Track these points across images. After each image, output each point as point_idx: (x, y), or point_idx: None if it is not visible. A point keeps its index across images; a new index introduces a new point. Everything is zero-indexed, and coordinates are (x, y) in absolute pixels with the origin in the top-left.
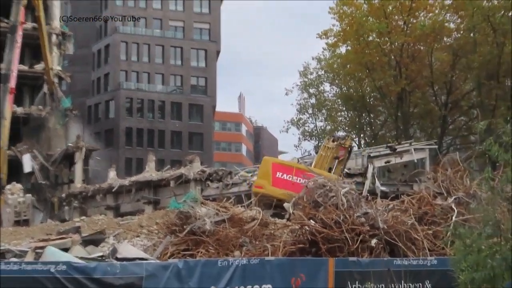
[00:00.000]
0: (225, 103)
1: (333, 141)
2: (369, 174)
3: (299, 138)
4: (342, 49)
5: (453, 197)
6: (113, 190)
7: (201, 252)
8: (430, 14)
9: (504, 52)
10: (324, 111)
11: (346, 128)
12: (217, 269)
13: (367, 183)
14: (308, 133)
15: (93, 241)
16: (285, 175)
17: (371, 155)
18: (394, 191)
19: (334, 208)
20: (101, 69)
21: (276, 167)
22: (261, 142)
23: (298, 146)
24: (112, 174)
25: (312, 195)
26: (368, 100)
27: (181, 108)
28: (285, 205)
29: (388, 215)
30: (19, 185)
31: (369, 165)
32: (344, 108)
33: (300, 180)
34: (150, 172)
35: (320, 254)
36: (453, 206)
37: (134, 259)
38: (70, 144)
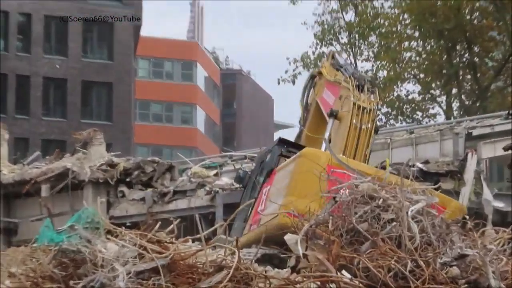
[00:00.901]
0: (162, 20)
1: (359, 87)
2: (469, 175)
3: None
4: None
5: None
6: None
7: None
8: None
9: None
10: (373, 38)
11: (420, 74)
12: None
13: (466, 192)
14: None
15: None
16: None
17: (474, 133)
18: None
19: (393, 246)
20: None
21: (334, 173)
22: (238, 104)
23: None
24: None
25: (347, 216)
26: (468, 18)
27: (66, 29)
28: (288, 238)
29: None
30: None
31: (470, 155)
32: (416, 34)
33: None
34: None
35: None
36: None
37: None
38: None
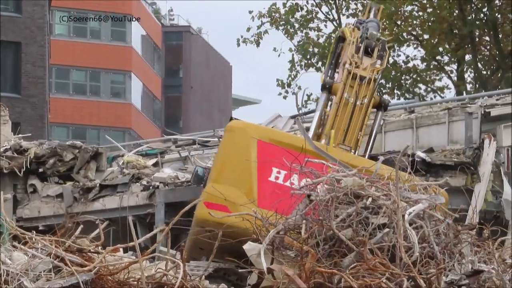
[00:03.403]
0: None
1: (367, 50)
2: (485, 168)
3: (294, 63)
4: None
5: None
6: None
7: None
8: None
9: None
10: None
11: (423, 35)
12: None
13: (481, 190)
14: (315, 48)
15: None
16: (295, 179)
17: (493, 113)
18: None
19: (385, 259)
20: None
21: (268, 151)
22: (186, 72)
23: (291, 86)
24: None
25: (326, 219)
26: None
27: None
28: (248, 248)
29: None
30: None
31: (487, 142)
32: None
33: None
34: None
35: None
36: None
37: None
38: None
